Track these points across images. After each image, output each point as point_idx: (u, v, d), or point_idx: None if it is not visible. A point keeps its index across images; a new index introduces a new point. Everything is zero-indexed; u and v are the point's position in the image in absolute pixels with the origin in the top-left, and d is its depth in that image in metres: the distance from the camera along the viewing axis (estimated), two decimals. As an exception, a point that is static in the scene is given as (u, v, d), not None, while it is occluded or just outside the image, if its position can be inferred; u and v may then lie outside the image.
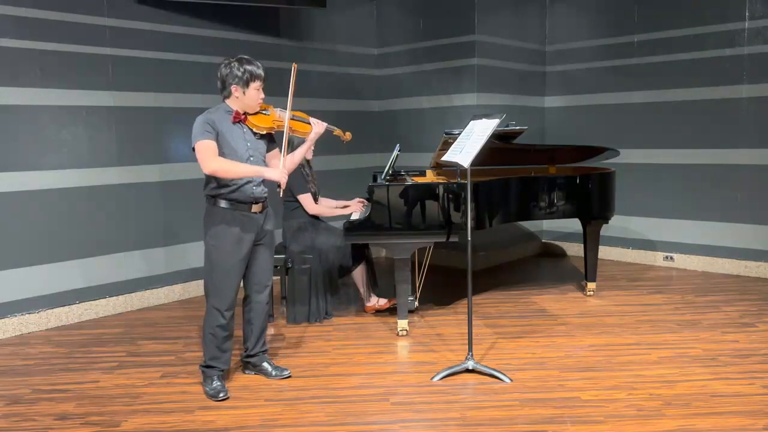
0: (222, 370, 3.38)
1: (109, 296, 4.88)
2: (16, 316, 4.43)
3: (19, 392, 3.45)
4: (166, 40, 5.07)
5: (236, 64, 3.21)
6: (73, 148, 4.64)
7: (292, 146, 4.19)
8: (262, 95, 3.29)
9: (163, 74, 5.07)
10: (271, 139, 3.42)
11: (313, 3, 5.71)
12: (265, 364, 3.57)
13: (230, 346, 3.41)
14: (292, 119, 3.36)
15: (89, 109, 4.70)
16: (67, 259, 4.64)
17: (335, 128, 3.75)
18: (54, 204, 4.56)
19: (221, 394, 3.28)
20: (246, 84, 3.21)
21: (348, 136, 3.85)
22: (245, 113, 3.27)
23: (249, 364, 3.59)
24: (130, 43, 4.87)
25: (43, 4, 4.42)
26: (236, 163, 3.17)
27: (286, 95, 3.32)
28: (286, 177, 3.25)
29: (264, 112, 3.34)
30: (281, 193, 3.29)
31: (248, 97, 3.24)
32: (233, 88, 3.22)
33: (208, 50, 5.25)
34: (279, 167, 3.26)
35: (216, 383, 3.32)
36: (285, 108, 3.34)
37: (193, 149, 3.16)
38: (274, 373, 3.55)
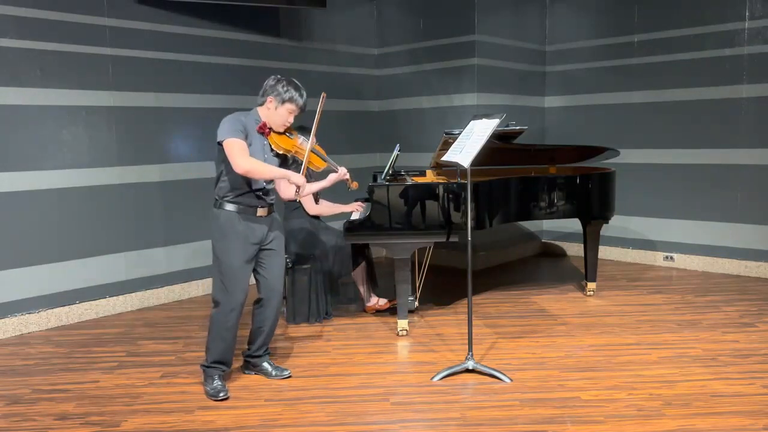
0: (224, 371, 3.38)
1: (109, 296, 4.88)
2: (16, 316, 4.43)
3: (19, 392, 3.45)
4: (166, 40, 5.07)
5: (285, 83, 3.28)
6: (73, 148, 4.64)
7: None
8: (291, 120, 3.32)
9: (163, 74, 5.07)
10: (284, 161, 3.44)
11: (313, 3, 5.71)
12: (266, 364, 3.57)
13: (235, 344, 3.41)
14: (312, 152, 3.37)
15: (89, 109, 4.71)
16: (67, 259, 4.64)
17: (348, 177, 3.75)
18: (54, 204, 4.56)
19: (221, 394, 3.28)
20: (282, 101, 3.25)
21: (355, 185, 3.77)
22: (270, 129, 3.30)
23: (249, 363, 3.60)
24: (130, 43, 4.87)
25: (43, 4, 4.43)
26: (267, 165, 3.22)
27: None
28: (305, 183, 3.31)
29: (289, 134, 3.38)
30: (299, 197, 3.36)
31: (278, 113, 3.27)
32: (269, 98, 3.26)
33: (208, 50, 5.25)
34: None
35: (216, 383, 3.33)
36: (315, 108, 3.37)
37: (219, 143, 3.17)
38: (274, 373, 3.55)
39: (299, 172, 3.33)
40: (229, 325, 3.32)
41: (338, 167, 3.64)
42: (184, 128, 5.20)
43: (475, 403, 3.19)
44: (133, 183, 4.96)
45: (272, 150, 3.33)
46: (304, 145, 3.36)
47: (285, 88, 3.26)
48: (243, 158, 3.13)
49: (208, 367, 3.37)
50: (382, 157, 6.53)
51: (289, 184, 3.49)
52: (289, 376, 3.55)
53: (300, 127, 3.55)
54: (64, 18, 4.53)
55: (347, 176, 3.69)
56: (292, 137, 3.39)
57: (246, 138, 3.18)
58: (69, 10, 4.55)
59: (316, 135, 3.40)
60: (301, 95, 3.30)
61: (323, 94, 3.39)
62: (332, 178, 3.72)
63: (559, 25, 6.53)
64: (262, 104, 3.31)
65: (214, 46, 5.27)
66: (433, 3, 6.16)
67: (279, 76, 3.32)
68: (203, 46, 5.25)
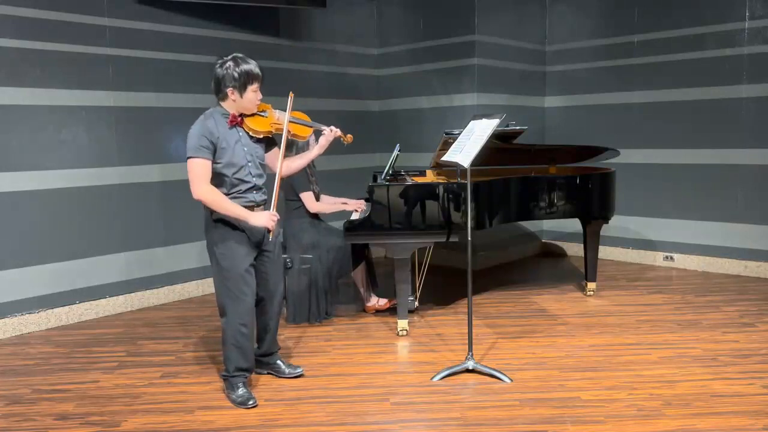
0: (246, 376, 3.31)
1: (109, 296, 4.89)
2: (16, 316, 4.43)
3: (19, 392, 3.45)
4: (166, 40, 5.07)
5: (232, 64, 3.07)
6: (73, 148, 4.64)
7: (296, 147, 4.22)
8: (260, 96, 3.16)
9: (163, 74, 5.07)
10: (270, 141, 3.34)
11: (313, 3, 5.71)
12: (279, 363, 3.56)
13: (252, 348, 3.32)
14: (291, 122, 3.26)
15: (89, 109, 4.71)
16: (67, 259, 4.64)
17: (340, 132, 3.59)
18: (54, 204, 4.56)
19: (250, 402, 3.19)
20: (243, 87, 3.07)
21: (349, 138, 3.65)
22: (241, 115, 3.16)
23: (262, 363, 3.56)
24: (130, 43, 4.87)
25: (43, 4, 4.43)
26: (225, 200, 3.05)
27: (284, 96, 3.29)
28: (274, 221, 3.10)
29: (262, 114, 3.22)
30: (270, 237, 3.17)
31: (245, 99, 3.11)
32: (229, 91, 3.08)
33: (208, 50, 5.25)
34: (270, 210, 3.11)
35: (242, 390, 3.24)
36: (284, 109, 3.25)
37: (188, 158, 3.05)
38: (287, 371, 3.54)
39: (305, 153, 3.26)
40: (244, 331, 3.20)
41: (325, 127, 3.42)
42: (184, 128, 5.14)
43: (475, 403, 3.19)
44: (133, 183, 4.96)
45: (251, 137, 3.18)
46: (282, 119, 3.21)
47: (237, 71, 3.04)
48: (202, 185, 3.01)
49: (231, 376, 3.27)
50: (382, 157, 6.53)
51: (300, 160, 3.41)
52: (302, 375, 3.54)
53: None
54: (64, 18, 4.53)
55: (338, 133, 3.46)
56: (266, 115, 3.22)
57: (215, 148, 3.04)
58: (69, 10, 4.55)
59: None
60: (254, 65, 3.10)
61: (291, 94, 3.24)
62: (322, 142, 3.41)
63: (559, 25, 6.53)
64: (224, 99, 3.12)
65: (214, 46, 5.27)
66: (433, 3, 6.16)
67: (220, 61, 3.09)
68: (203, 46, 5.25)
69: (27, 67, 4.39)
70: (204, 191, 3.03)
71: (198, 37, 5.25)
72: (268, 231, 3.14)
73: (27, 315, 4.48)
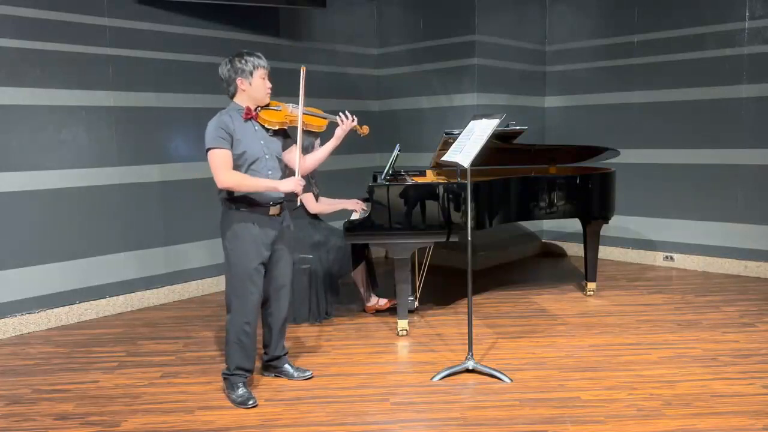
0: (246, 376, 3.31)
1: (109, 296, 4.88)
2: (16, 316, 4.43)
3: (19, 392, 3.45)
4: (166, 40, 5.07)
5: (237, 58, 3.16)
6: (73, 148, 4.64)
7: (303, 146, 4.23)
8: (269, 85, 3.22)
9: (163, 74, 5.07)
10: (286, 136, 3.36)
11: (313, 3, 5.71)
12: (287, 366, 3.55)
13: (255, 348, 3.33)
14: (305, 114, 3.29)
15: (89, 109, 4.71)
16: (67, 259, 4.64)
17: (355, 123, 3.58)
18: (54, 204, 4.56)
19: (250, 402, 3.19)
20: (250, 74, 3.14)
21: (365, 129, 3.65)
22: (256, 108, 3.20)
23: (271, 366, 3.56)
24: (130, 43, 4.87)
25: (43, 4, 4.43)
26: (249, 178, 3.11)
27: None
28: (302, 186, 3.18)
29: (275, 108, 3.27)
30: (298, 202, 3.29)
31: (255, 87, 3.16)
32: (239, 81, 3.15)
33: (208, 50, 5.25)
34: (295, 176, 3.19)
35: (242, 390, 3.24)
36: (297, 104, 3.27)
37: (207, 151, 3.10)
38: (296, 374, 3.53)
39: (324, 147, 3.32)
40: (248, 330, 3.22)
41: (340, 118, 3.46)
42: (184, 128, 5.20)
43: (475, 403, 3.19)
44: (133, 183, 4.96)
45: (267, 130, 3.22)
46: (296, 112, 3.25)
47: (243, 61, 3.13)
48: (223, 173, 3.05)
49: (231, 374, 3.28)
50: (382, 157, 6.53)
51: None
52: (311, 377, 3.53)
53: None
54: (64, 18, 4.53)
55: (354, 123, 3.49)
56: (279, 109, 3.27)
57: (232, 140, 3.08)
58: (69, 10, 4.55)
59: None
60: (258, 56, 3.19)
61: (303, 68, 3.25)
62: (338, 133, 3.44)
63: (559, 25, 6.53)
64: (234, 93, 3.20)
65: (214, 46, 5.27)
66: (433, 3, 6.16)
67: (226, 60, 3.18)
68: (203, 46, 5.25)
69: (27, 67, 4.39)
70: (227, 177, 3.07)
71: (198, 37, 5.25)
72: (296, 196, 3.22)
73: (27, 315, 4.48)
